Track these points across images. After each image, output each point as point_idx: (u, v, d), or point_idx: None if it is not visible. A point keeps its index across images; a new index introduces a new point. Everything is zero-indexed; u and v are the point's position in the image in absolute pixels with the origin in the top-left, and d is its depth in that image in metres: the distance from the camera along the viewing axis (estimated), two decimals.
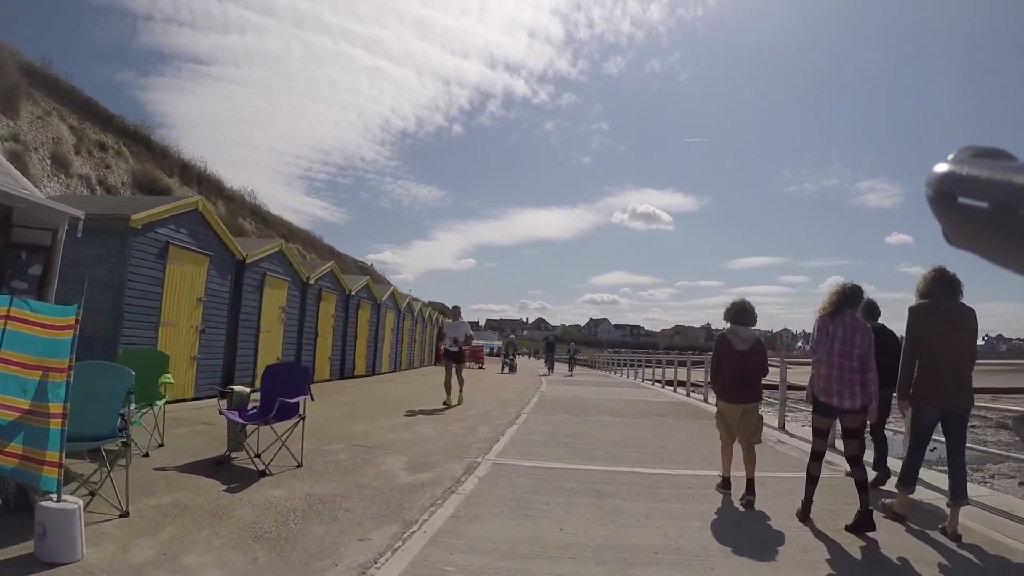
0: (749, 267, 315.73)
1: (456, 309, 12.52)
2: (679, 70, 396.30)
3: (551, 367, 28.52)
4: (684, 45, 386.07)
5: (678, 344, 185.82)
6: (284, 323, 13.47)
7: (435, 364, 32.86)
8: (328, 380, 15.82)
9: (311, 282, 14.60)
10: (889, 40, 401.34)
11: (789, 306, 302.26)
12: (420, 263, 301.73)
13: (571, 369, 29.65)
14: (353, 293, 17.47)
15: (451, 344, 11.66)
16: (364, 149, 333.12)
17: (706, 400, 15.08)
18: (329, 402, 11.38)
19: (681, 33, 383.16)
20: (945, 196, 0.47)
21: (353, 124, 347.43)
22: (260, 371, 12.86)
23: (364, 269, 61.93)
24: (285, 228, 42.16)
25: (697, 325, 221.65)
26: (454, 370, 11.61)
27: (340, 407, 10.70)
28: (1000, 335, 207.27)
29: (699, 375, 17.96)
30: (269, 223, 37.70)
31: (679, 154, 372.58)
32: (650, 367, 25.26)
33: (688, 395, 16.98)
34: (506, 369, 26.00)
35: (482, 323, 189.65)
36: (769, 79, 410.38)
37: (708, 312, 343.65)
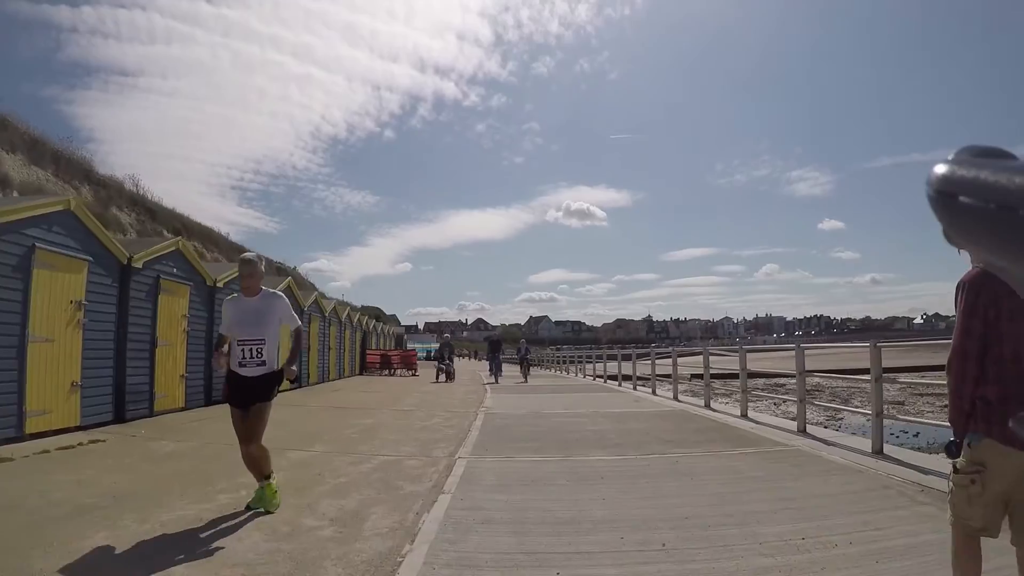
0: (685, 259, 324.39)
1: (248, 264, 4.66)
2: (608, 68, 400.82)
3: (497, 373, 22.49)
4: (613, 44, 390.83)
5: (621, 338, 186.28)
6: (84, 326, 8.63)
7: (361, 373, 28.13)
8: (182, 409, 10.99)
9: (138, 266, 9.76)
10: (813, 32, 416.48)
11: (725, 295, 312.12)
12: (356, 270, 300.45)
13: (525, 374, 22.86)
14: (220, 284, 12.55)
15: (243, 357, 4.52)
16: (296, 157, 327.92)
17: (708, 406, 11.14)
18: (136, 456, 6.71)
19: (609, 32, 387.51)
20: (946, 196, 0.46)
21: (284, 132, 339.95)
22: (31, 405, 8.21)
23: (283, 271, 56.33)
24: (178, 222, 36.46)
25: (638, 318, 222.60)
26: (245, 422, 4.50)
27: (144, 469, 6.05)
28: (937, 313, 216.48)
29: (655, 368, 14.38)
30: (156, 216, 32.04)
31: (611, 151, 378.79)
32: (611, 362, 21.48)
33: (676, 398, 13.05)
34: (442, 377, 21.45)
35: (420, 326, 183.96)
36: (698, 74, 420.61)
37: (647, 305, 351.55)
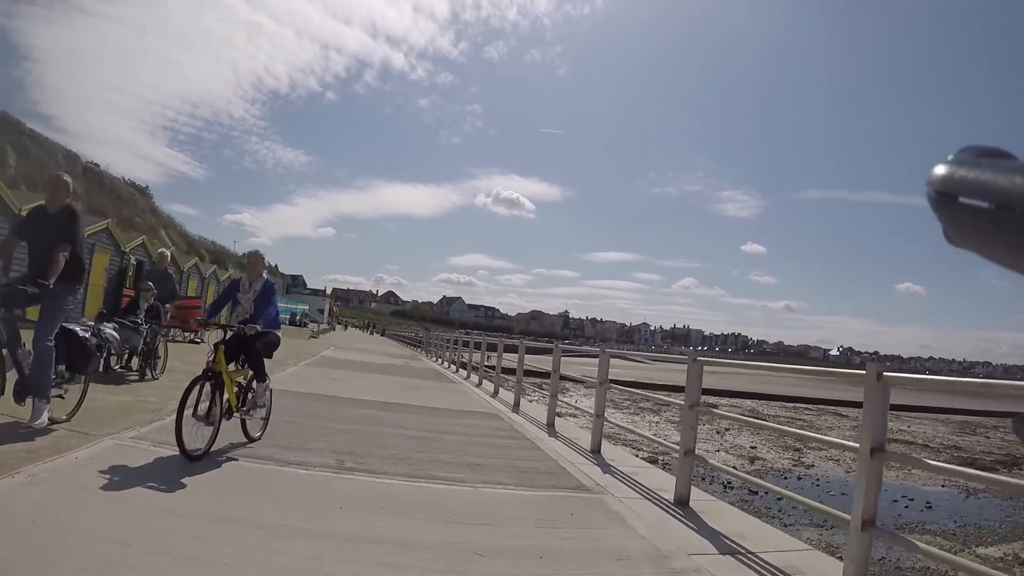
0: (606, 261, 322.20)
1: None
2: (559, 63, 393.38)
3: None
4: (567, 40, 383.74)
5: (534, 330, 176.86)
6: None
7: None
8: None
9: None
10: (764, 59, 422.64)
11: (641, 302, 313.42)
12: (279, 228, 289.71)
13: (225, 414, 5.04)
14: None
15: None
16: (233, 105, 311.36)
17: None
18: None
19: (566, 28, 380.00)
20: (946, 196, 0.46)
21: (225, 79, 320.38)
22: None
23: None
24: None
25: (554, 312, 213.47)
26: None
27: None
28: (851, 347, 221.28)
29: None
30: None
31: (548, 144, 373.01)
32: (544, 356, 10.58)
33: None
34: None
35: (328, 291, 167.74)
36: (646, 82, 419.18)
37: (563, 301, 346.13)
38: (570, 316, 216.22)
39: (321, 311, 67.42)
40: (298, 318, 40.88)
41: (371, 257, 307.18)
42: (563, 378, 8.91)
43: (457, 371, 18.48)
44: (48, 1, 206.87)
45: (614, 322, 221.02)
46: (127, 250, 17.30)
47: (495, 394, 11.97)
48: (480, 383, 14.33)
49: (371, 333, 63.14)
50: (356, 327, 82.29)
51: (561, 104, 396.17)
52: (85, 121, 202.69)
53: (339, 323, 77.68)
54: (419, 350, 33.66)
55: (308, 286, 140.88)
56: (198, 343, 15.24)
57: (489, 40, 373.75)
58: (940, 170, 0.47)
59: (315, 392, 9.10)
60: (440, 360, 23.79)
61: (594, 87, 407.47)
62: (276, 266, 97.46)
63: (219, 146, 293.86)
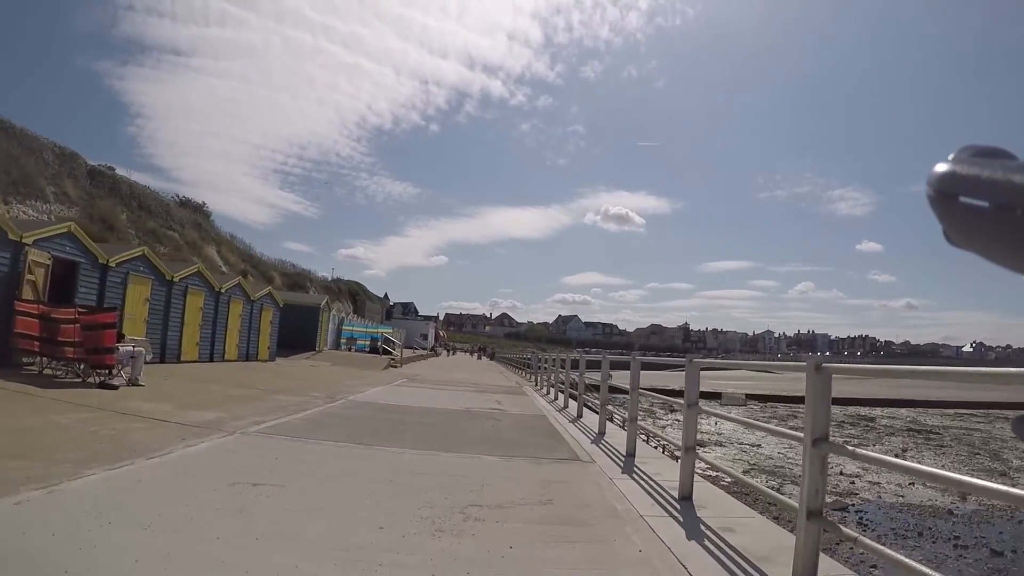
0: (720, 271, 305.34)
1: None
2: (656, 76, 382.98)
3: None
4: (661, 52, 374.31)
5: (655, 344, 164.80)
6: None
7: None
8: None
9: None
10: (863, 51, 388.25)
11: (758, 310, 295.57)
12: (392, 260, 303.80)
13: None
14: None
15: None
16: (340, 145, 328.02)
17: None
18: None
19: (659, 41, 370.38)
20: (946, 195, 0.46)
21: (330, 120, 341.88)
22: None
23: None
24: None
25: (672, 325, 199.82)
26: None
27: None
28: (982, 343, 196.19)
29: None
30: None
31: (653, 158, 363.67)
32: None
33: None
34: None
35: (441, 316, 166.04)
36: (745, 87, 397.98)
37: (679, 314, 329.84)
38: (690, 327, 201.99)
39: (424, 336, 61.81)
40: (379, 344, 34.62)
41: (484, 282, 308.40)
42: None
43: (579, 412, 11.02)
44: (155, 63, 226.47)
45: (736, 332, 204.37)
46: (26, 241, 10.53)
47: (650, 489, 4.44)
48: (633, 453, 6.84)
49: (478, 358, 57.53)
50: (465, 351, 77.19)
51: (662, 116, 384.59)
52: (200, 170, 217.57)
53: (445, 348, 72.77)
54: (528, 375, 26.46)
55: (419, 313, 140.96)
56: (114, 387, 8.83)
57: (584, 60, 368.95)
58: (940, 169, 0.45)
59: None
60: (551, 392, 16.29)
61: (693, 96, 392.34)
62: (387, 294, 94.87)
63: (329, 184, 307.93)
